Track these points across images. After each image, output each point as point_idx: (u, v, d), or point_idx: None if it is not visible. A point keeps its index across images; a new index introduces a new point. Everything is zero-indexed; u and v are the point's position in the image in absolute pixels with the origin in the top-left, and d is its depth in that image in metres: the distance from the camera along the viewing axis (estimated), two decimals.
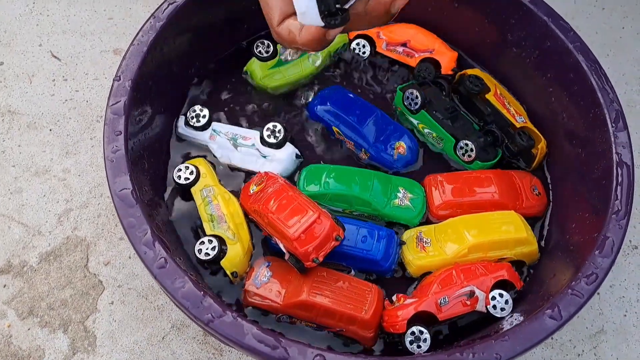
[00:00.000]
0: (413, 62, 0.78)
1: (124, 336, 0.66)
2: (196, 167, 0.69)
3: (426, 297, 0.61)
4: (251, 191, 0.67)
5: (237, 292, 0.65)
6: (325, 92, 0.76)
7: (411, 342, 0.60)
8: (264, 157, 0.71)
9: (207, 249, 0.63)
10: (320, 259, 0.60)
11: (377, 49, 0.79)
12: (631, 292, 0.72)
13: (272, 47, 0.74)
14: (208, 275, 0.65)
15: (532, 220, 0.71)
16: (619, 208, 0.60)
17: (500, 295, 0.61)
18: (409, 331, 0.60)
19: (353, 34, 0.79)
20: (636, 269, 0.74)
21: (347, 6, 0.45)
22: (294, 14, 0.47)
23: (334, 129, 0.74)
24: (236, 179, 0.72)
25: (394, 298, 0.63)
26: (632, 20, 0.95)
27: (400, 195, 0.70)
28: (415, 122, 0.76)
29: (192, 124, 0.71)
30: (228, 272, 0.63)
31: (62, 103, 0.79)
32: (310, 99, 0.77)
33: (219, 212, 0.66)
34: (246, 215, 0.67)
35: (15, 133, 0.76)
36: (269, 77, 0.75)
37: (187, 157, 0.72)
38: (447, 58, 0.78)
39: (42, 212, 0.72)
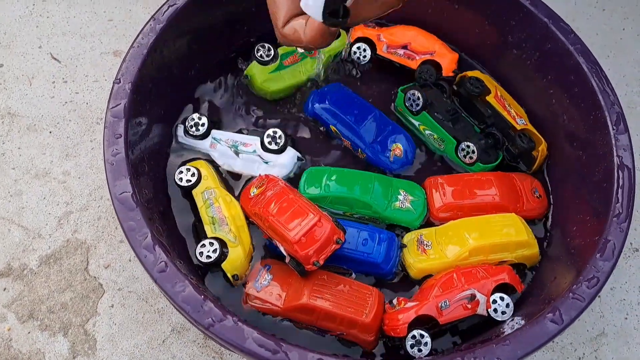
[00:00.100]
0: (414, 65, 0.78)
1: (124, 339, 0.65)
2: (197, 169, 0.69)
3: (427, 300, 0.60)
4: (252, 194, 0.67)
5: (238, 295, 0.64)
6: (324, 90, 0.76)
7: (412, 346, 0.60)
8: (266, 162, 0.71)
9: (208, 251, 0.63)
10: (321, 262, 0.60)
11: (377, 52, 0.79)
12: (632, 295, 0.72)
13: (272, 51, 0.74)
14: (209, 278, 0.65)
15: (533, 223, 0.71)
16: (620, 211, 0.60)
17: (501, 298, 0.61)
18: (410, 335, 0.60)
19: (354, 36, 0.79)
20: (637, 271, 0.74)
21: (347, 3, 0.45)
22: (299, 14, 0.47)
23: (332, 127, 0.74)
24: (237, 181, 0.72)
25: (394, 301, 0.63)
26: (633, 21, 0.95)
27: (401, 197, 0.70)
28: (416, 123, 0.76)
29: (191, 133, 0.71)
30: (229, 275, 0.63)
31: (62, 105, 0.79)
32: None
33: (220, 214, 0.66)
34: (247, 217, 0.67)
35: (15, 135, 0.76)
36: (270, 81, 0.75)
37: (188, 159, 0.72)
38: (447, 60, 0.78)
39: (42, 214, 0.71)
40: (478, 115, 0.76)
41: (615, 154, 0.63)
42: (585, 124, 0.69)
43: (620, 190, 0.61)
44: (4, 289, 0.67)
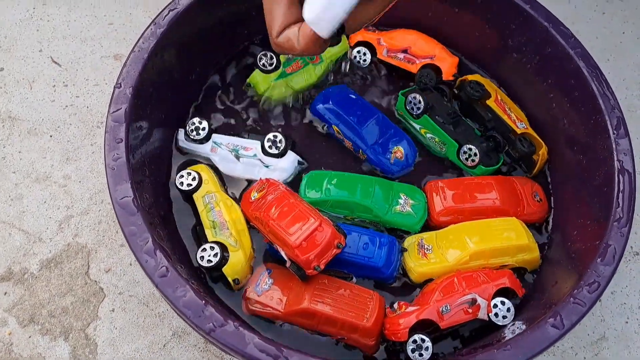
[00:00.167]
0: (414, 69, 0.78)
1: (125, 344, 0.65)
2: (198, 173, 0.69)
3: (428, 305, 0.60)
4: (252, 198, 0.67)
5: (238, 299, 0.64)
6: (329, 91, 0.76)
7: (413, 351, 0.60)
8: (267, 166, 0.71)
9: (209, 255, 0.63)
10: (322, 266, 0.60)
11: (377, 56, 0.79)
12: (633, 299, 0.72)
13: (275, 59, 0.74)
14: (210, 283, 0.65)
15: (534, 227, 0.71)
16: (621, 215, 0.60)
17: (502, 303, 0.61)
18: (411, 339, 0.60)
19: (354, 41, 0.79)
20: (637, 275, 0.74)
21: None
22: (293, 22, 0.47)
23: (334, 127, 0.74)
24: (238, 185, 0.72)
25: (395, 305, 0.63)
26: (633, 24, 0.95)
27: (401, 201, 0.70)
28: (417, 126, 0.76)
29: (192, 137, 0.71)
30: (230, 279, 0.63)
31: (62, 109, 0.79)
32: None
33: (221, 218, 0.66)
34: (247, 222, 0.67)
35: (16, 139, 0.76)
36: (273, 89, 0.75)
37: (188, 163, 0.72)
38: (447, 64, 0.78)
39: (43, 218, 0.71)
40: (479, 119, 0.77)
41: (615, 158, 0.64)
42: (585, 128, 0.69)
43: (620, 195, 0.61)
44: (5, 293, 0.67)
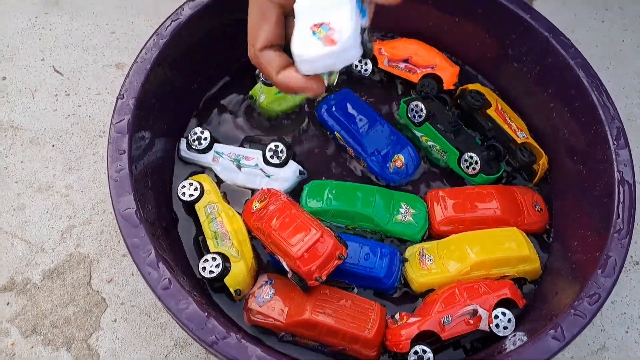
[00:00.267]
0: (415, 78, 0.79)
1: (127, 354, 0.66)
2: (200, 183, 0.69)
3: (429, 316, 0.61)
4: (254, 208, 0.67)
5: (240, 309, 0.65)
6: (334, 97, 0.76)
7: None
8: (268, 176, 0.71)
9: (211, 266, 0.63)
10: (324, 278, 0.60)
11: (379, 65, 0.80)
12: (633, 309, 0.73)
13: None
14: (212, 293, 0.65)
15: (534, 237, 0.72)
16: (621, 227, 0.60)
17: (503, 313, 0.61)
18: (412, 350, 0.60)
19: None
20: (638, 285, 0.74)
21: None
22: (277, 42, 0.50)
23: (336, 134, 0.74)
24: (240, 195, 0.72)
25: (396, 316, 0.63)
26: (632, 33, 0.95)
27: (402, 210, 0.71)
28: (418, 134, 0.76)
29: (194, 147, 0.71)
30: (231, 290, 0.63)
31: (64, 118, 0.79)
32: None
33: (223, 229, 0.66)
34: (249, 232, 0.67)
35: (18, 149, 0.77)
36: (275, 102, 0.75)
37: (190, 173, 0.72)
38: (448, 73, 0.78)
39: (45, 228, 0.72)
40: (479, 128, 0.77)
41: (615, 169, 0.64)
42: (585, 138, 0.69)
43: (621, 206, 0.62)
44: (8, 304, 0.67)
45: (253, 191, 0.72)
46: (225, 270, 0.63)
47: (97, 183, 0.75)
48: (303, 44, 0.46)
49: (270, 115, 0.77)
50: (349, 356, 0.63)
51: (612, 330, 0.71)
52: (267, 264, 0.68)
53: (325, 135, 0.77)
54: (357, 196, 0.70)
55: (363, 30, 0.47)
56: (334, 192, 0.70)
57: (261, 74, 0.74)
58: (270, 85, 0.75)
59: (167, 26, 0.67)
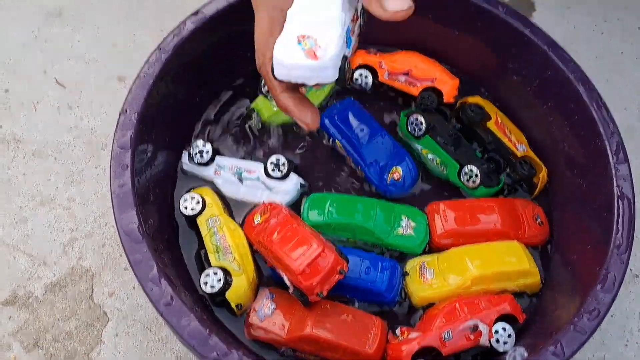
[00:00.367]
0: (415, 91, 0.79)
1: None
2: (202, 197, 0.69)
3: (430, 331, 0.61)
4: (255, 222, 0.67)
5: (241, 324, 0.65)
6: (337, 106, 0.77)
7: None
8: (270, 189, 0.72)
9: (212, 281, 0.64)
10: (325, 293, 0.60)
11: (379, 79, 0.80)
12: (632, 322, 0.73)
13: None
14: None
15: (534, 250, 0.72)
16: (621, 242, 0.61)
17: (503, 328, 0.62)
18: None
19: (355, 64, 0.80)
20: (637, 298, 0.75)
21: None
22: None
23: (337, 142, 0.75)
24: (242, 207, 0.72)
25: (397, 331, 0.63)
26: (631, 44, 0.96)
27: (403, 223, 0.71)
28: (419, 147, 0.77)
29: (195, 160, 0.72)
30: (232, 305, 0.64)
31: (66, 131, 0.80)
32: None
33: (225, 242, 0.66)
34: (251, 245, 0.68)
35: (20, 161, 0.77)
36: (276, 115, 0.76)
37: (192, 186, 0.73)
38: (448, 87, 0.79)
39: (47, 242, 0.72)
40: (479, 140, 0.77)
41: (615, 183, 0.64)
42: (585, 151, 0.70)
43: (620, 221, 0.62)
44: (10, 318, 0.68)
45: (255, 204, 0.72)
46: (227, 284, 0.63)
47: (99, 196, 0.75)
48: (286, 49, 0.47)
49: (271, 126, 0.77)
50: None
51: (611, 344, 0.71)
52: (267, 277, 0.68)
53: (327, 147, 0.77)
54: (357, 209, 0.70)
55: (345, 58, 0.48)
56: (334, 205, 0.70)
57: (263, 87, 0.75)
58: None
59: (170, 41, 0.68)
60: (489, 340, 0.61)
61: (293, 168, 0.73)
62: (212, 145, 0.72)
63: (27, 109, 0.81)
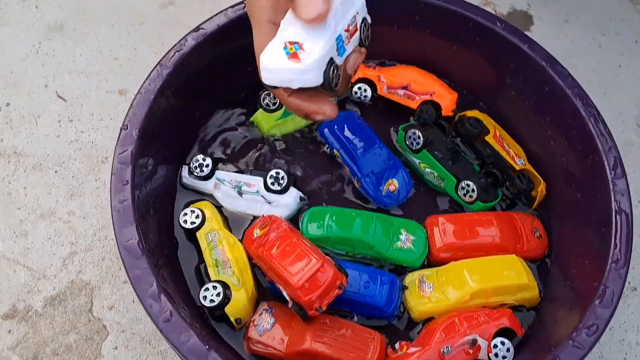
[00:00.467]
0: (414, 105, 0.80)
1: None
2: (202, 211, 0.70)
3: (429, 345, 0.61)
4: (255, 235, 0.68)
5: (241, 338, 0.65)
6: (338, 116, 0.77)
7: None
8: (269, 203, 0.72)
9: (212, 295, 0.64)
10: (324, 307, 0.61)
11: (378, 92, 0.81)
12: (631, 335, 0.73)
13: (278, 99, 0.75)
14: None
15: (533, 263, 0.72)
16: (619, 257, 0.61)
17: (502, 343, 0.62)
18: None
19: (354, 78, 0.80)
20: (635, 311, 0.75)
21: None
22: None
23: (335, 152, 0.75)
24: (241, 222, 0.72)
25: (396, 346, 0.64)
26: (628, 58, 0.96)
27: (402, 237, 0.71)
28: (416, 161, 0.77)
29: (195, 174, 0.72)
30: (232, 319, 0.64)
31: (67, 144, 0.80)
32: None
33: (224, 257, 0.67)
34: (250, 259, 0.68)
35: (21, 175, 0.77)
36: (277, 127, 0.76)
37: (192, 201, 0.73)
38: (447, 100, 0.79)
39: (47, 255, 0.72)
40: (478, 154, 0.78)
41: (613, 198, 0.64)
42: (583, 166, 0.70)
43: (618, 236, 0.62)
44: (9, 331, 0.68)
45: (254, 218, 0.72)
46: (226, 298, 0.64)
47: (99, 209, 0.76)
48: (271, 54, 0.48)
49: (271, 139, 0.77)
50: None
51: (610, 357, 0.71)
52: (265, 290, 0.68)
53: (326, 161, 0.78)
54: (356, 223, 0.70)
55: (334, 65, 0.49)
56: (333, 218, 0.71)
57: (262, 100, 0.75)
58: (271, 111, 0.76)
59: (171, 57, 0.68)
60: (488, 355, 0.61)
61: (293, 182, 0.73)
62: (211, 159, 0.73)
63: (28, 122, 0.81)
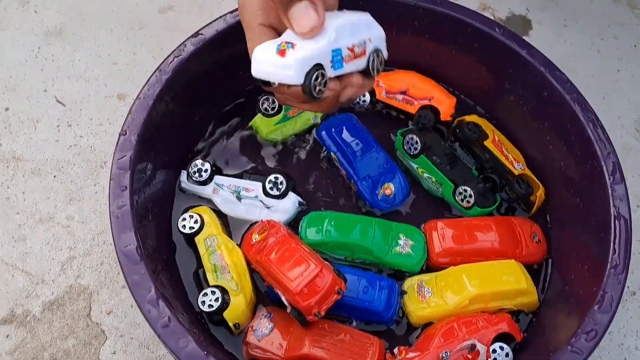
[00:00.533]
0: (412, 110, 0.80)
1: None
2: (200, 216, 0.70)
3: (428, 350, 0.61)
4: (253, 240, 0.68)
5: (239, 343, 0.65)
6: (335, 119, 0.78)
7: None
8: (268, 207, 0.72)
9: (210, 300, 0.64)
10: (323, 313, 0.61)
11: (377, 97, 0.81)
12: (630, 340, 0.73)
13: (277, 103, 0.75)
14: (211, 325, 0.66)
15: (532, 268, 0.72)
16: (618, 263, 0.61)
17: (501, 348, 0.62)
18: None
19: None
20: (635, 315, 0.75)
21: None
22: None
23: (332, 155, 0.75)
24: (240, 227, 0.72)
25: (395, 351, 0.63)
26: (627, 62, 0.96)
27: (401, 242, 0.71)
28: (414, 166, 0.77)
29: (194, 178, 0.72)
30: (230, 324, 0.64)
31: (66, 149, 0.80)
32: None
33: (223, 262, 0.66)
34: (249, 264, 0.68)
35: (20, 180, 0.77)
36: (275, 132, 0.77)
37: (191, 206, 0.73)
38: (446, 105, 0.79)
39: (46, 260, 0.72)
40: (477, 159, 0.78)
41: (611, 204, 0.64)
42: (581, 171, 0.70)
43: (617, 241, 0.62)
44: (7, 336, 0.67)
45: (253, 223, 0.72)
46: (225, 303, 0.64)
47: (97, 214, 0.76)
48: (264, 48, 0.49)
49: (270, 143, 0.77)
50: None
51: None
52: (264, 295, 0.68)
53: (325, 165, 0.78)
54: (355, 228, 0.70)
55: (320, 71, 0.49)
56: (332, 223, 0.71)
57: (261, 105, 0.75)
58: (270, 116, 0.76)
59: (170, 62, 0.68)
60: None
61: (291, 186, 0.73)
62: (210, 164, 0.73)
63: (27, 127, 0.81)
